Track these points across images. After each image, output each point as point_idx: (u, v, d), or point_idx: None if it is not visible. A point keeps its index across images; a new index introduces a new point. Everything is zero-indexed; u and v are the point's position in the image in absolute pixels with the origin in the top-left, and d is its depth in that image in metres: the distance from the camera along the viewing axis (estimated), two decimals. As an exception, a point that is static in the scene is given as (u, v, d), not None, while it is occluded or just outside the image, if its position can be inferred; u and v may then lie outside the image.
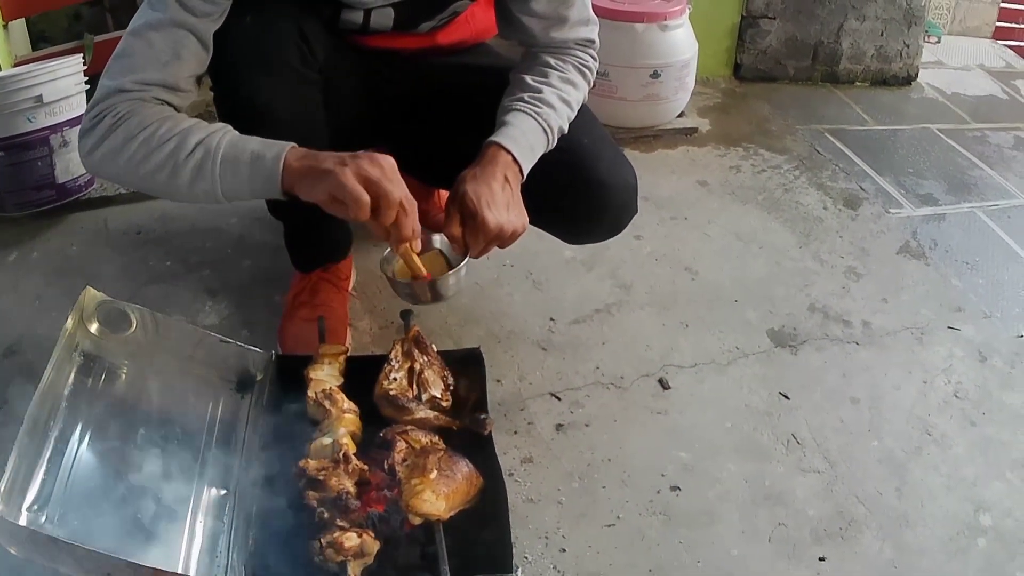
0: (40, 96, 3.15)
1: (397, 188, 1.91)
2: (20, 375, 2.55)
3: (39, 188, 3.27)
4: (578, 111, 2.47)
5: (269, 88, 2.25)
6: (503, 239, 2.19)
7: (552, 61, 2.43)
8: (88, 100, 3.08)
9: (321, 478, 1.92)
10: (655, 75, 3.96)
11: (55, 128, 3.24)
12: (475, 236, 2.16)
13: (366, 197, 1.87)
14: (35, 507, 1.77)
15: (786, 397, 2.64)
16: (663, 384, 2.65)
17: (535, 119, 2.31)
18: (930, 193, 3.86)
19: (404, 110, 2.68)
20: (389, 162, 1.92)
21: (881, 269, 3.28)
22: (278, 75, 2.27)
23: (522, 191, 2.27)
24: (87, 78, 3.35)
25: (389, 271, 2.29)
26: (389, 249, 2.32)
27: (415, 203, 1.96)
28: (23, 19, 3.90)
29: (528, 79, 2.39)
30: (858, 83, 4.99)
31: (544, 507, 2.26)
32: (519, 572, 1.88)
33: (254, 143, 1.99)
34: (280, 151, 1.95)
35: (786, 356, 2.81)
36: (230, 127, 2.02)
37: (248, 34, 2.20)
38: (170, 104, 2.08)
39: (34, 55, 3.79)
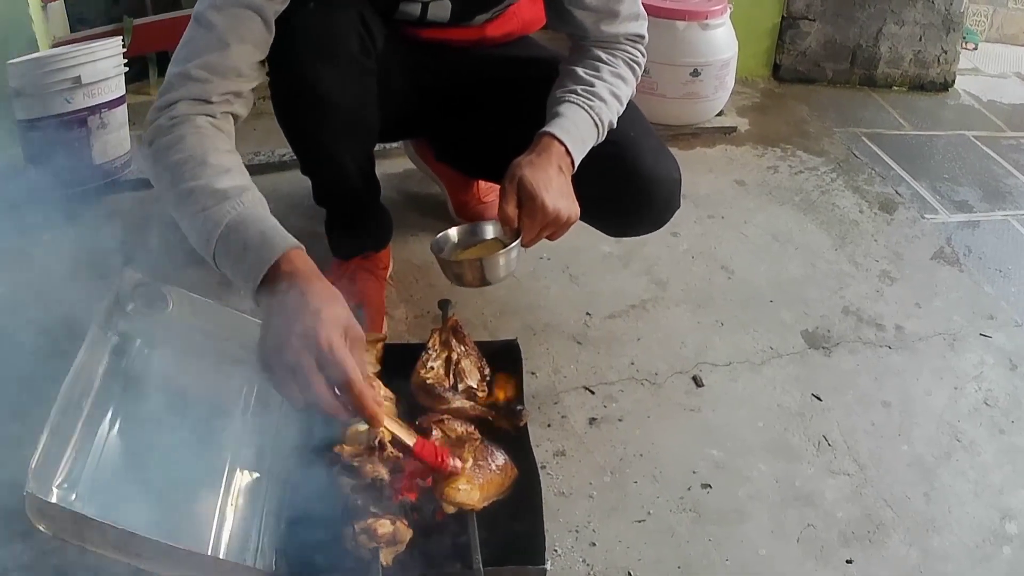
0: (79, 77, 3.16)
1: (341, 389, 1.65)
2: (54, 354, 2.55)
3: (76, 169, 3.28)
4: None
5: (329, 76, 2.27)
6: (558, 225, 2.21)
7: (603, 55, 2.45)
8: (127, 83, 3.11)
9: (356, 464, 1.92)
10: (695, 73, 3.97)
11: (93, 109, 3.25)
12: (532, 219, 2.17)
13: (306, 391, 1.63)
14: (65, 485, 1.77)
15: (818, 398, 2.64)
16: (697, 381, 2.66)
17: (587, 112, 2.32)
18: (965, 200, 3.85)
19: (450, 101, 2.70)
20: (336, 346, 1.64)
21: (915, 274, 3.28)
22: (339, 63, 2.28)
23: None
24: (126, 60, 3.35)
25: (442, 251, 2.29)
26: (440, 235, 2.33)
27: (364, 383, 1.66)
28: (62, 1, 3.90)
29: (580, 71, 2.41)
30: (895, 87, 4.98)
31: (575, 501, 2.27)
32: (548, 565, 1.88)
33: (255, 232, 1.80)
34: (269, 258, 1.76)
35: (819, 358, 2.81)
36: (251, 197, 1.86)
37: (311, 20, 2.20)
38: (235, 95, 2.03)
39: (72, 37, 3.79)
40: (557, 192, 2.19)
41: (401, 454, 1.93)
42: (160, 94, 1.98)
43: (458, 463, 1.93)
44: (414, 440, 1.89)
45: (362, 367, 1.68)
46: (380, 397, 1.86)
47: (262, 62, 2.12)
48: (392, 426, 1.86)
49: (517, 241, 2.21)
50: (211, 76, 1.97)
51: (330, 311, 1.68)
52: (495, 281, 2.29)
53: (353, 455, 1.95)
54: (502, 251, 2.22)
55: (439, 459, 1.91)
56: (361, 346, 1.73)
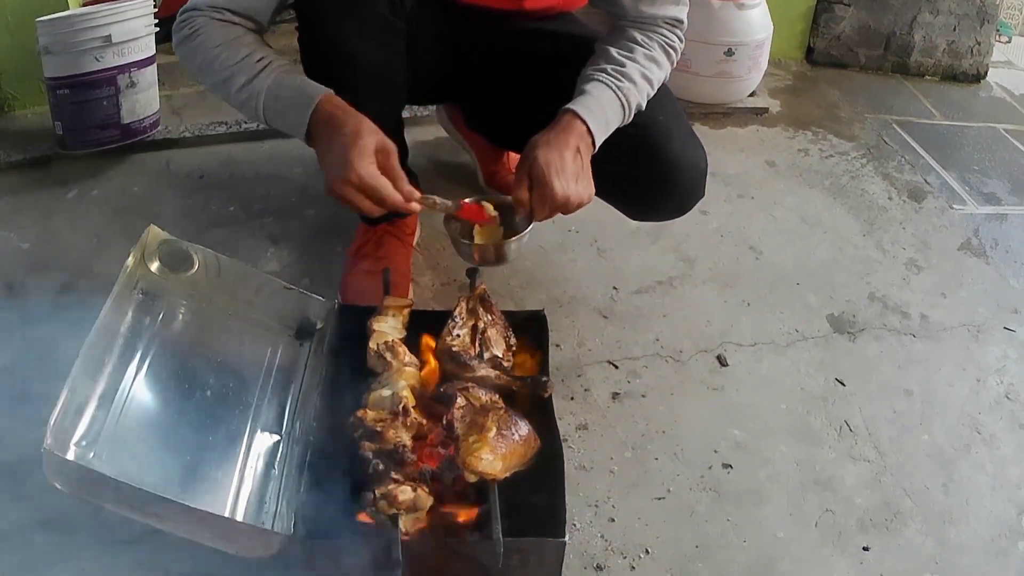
0: (109, 36, 3.17)
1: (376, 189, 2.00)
2: (74, 310, 2.56)
3: (103, 127, 3.29)
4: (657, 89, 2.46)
5: (356, 34, 2.26)
6: (568, 209, 2.20)
7: (639, 37, 2.43)
8: (157, 43, 3.13)
9: (379, 429, 1.92)
10: (729, 53, 3.96)
11: (123, 68, 3.25)
12: (541, 203, 2.17)
13: (365, 205, 2.02)
14: (84, 443, 1.78)
15: (842, 383, 2.65)
16: (721, 361, 2.66)
17: (615, 92, 2.31)
18: (994, 192, 3.83)
19: (483, 70, 2.68)
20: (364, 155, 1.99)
21: (942, 264, 3.27)
22: (366, 21, 2.27)
23: (591, 161, 2.27)
24: (157, 20, 3.35)
25: (453, 230, 2.30)
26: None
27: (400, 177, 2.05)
28: (91, -41, 3.91)
29: (613, 51, 2.39)
30: (928, 76, 4.94)
31: (596, 475, 2.28)
32: (567, 538, 1.87)
33: (290, 92, 2.11)
34: (306, 112, 2.07)
35: (844, 343, 2.81)
36: (278, 64, 2.13)
37: None
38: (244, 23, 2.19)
39: (102, -4, 3.79)
40: (570, 176, 2.18)
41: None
42: (181, 11, 2.20)
43: (494, 212, 2.26)
44: (454, 210, 2.20)
45: (395, 173, 2.04)
46: (412, 192, 2.08)
47: (275, 15, 2.25)
48: (429, 207, 2.13)
49: (530, 228, 2.22)
50: (222, 12, 2.16)
51: (358, 148, 1.99)
52: (507, 261, 2.34)
53: (376, 420, 1.94)
54: (514, 238, 2.24)
55: (480, 213, 2.24)
56: (392, 158, 2.05)
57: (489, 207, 2.27)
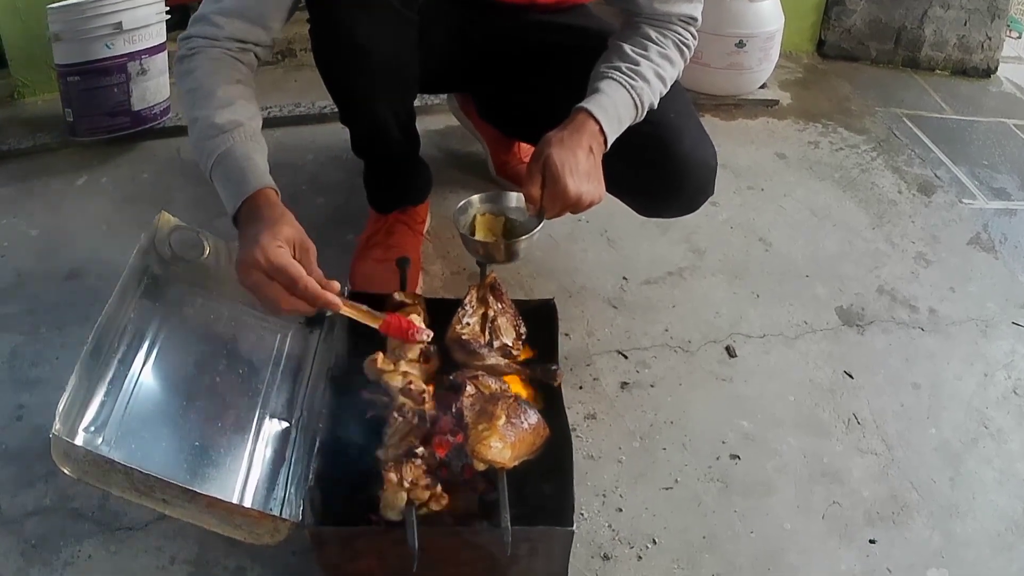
0: (120, 23, 3.17)
1: (280, 283, 1.86)
2: (83, 297, 2.58)
3: (113, 114, 3.31)
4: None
5: (368, 25, 2.26)
6: (579, 207, 2.20)
7: (653, 34, 2.41)
8: (168, 31, 3.13)
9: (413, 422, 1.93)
10: (740, 44, 3.96)
11: (133, 56, 3.26)
12: (553, 200, 2.17)
13: (272, 292, 1.87)
14: (92, 428, 1.79)
15: (850, 376, 2.64)
16: (730, 352, 2.67)
17: (628, 91, 2.30)
18: (1003, 187, 3.82)
19: (495, 61, 2.70)
20: (274, 253, 1.85)
21: (950, 258, 3.26)
22: (378, 12, 2.27)
23: (603, 158, 2.27)
24: (168, 8, 3.35)
25: (462, 226, 2.30)
26: (462, 202, 2.34)
27: (302, 276, 1.87)
28: (102, -53, 3.91)
29: (627, 48, 2.38)
30: (938, 71, 4.93)
31: (604, 465, 2.29)
32: (574, 528, 1.87)
33: (235, 170, 2.01)
34: (241, 196, 1.98)
35: (852, 335, 2.81)
36: (240, 132, 2.05)
37: None
38: (241, 45, 2.15)
39: (114, -17, 3.80)
40: (583, 174, 2.18)
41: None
42: (188, 26, 2.15)
43: (426, 332, 2.05)
44: (379, 322, 2.01)
45: (310, 271, 1.90)
46: (333, 285, 1.95)
47: (288, 15, 2.21)
48: (352, 311, 1.98)
49: (540, 226, 2.23)
50: (226, 24, 2.10)
51: (272, 232, 1.88)
52: (517, 259, 2.34)
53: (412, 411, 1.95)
54: (524, 236, 2.25)
55: (407, 332, 2.02)
56: (310, 255, 1.95)
57: (416, 319, 2.15)
